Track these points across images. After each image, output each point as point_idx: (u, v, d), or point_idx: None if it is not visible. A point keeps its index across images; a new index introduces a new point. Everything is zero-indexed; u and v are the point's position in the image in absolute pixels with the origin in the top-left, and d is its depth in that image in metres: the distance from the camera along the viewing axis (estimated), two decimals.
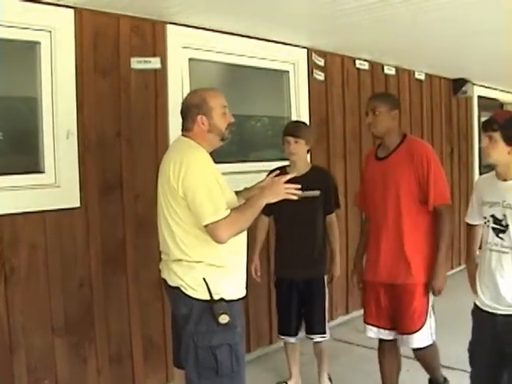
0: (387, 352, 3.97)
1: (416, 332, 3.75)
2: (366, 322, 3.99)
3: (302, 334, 4.46)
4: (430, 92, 7.89)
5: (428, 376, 4.08)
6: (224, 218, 2.85)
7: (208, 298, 2.94)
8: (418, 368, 4.03)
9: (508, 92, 10.07)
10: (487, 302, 3.15)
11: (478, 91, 8.95)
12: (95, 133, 4.03)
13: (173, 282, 3.05)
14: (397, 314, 3.81)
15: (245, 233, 3.14)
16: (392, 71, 6.98)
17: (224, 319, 2.92)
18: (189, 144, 3.05)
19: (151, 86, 4.38)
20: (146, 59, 4.31)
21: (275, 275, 4.52)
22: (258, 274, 4.48)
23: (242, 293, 3.15)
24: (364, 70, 6.52)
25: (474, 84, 8.64)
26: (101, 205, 4.08)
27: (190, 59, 4.68)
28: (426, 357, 3.92)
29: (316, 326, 4.35)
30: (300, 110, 5.73)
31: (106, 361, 4.14)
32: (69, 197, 3.90)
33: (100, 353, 4.10)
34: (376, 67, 6.75)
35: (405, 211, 3.73)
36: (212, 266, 2.98)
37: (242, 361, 3.09)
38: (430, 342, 3.82)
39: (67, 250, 3.91)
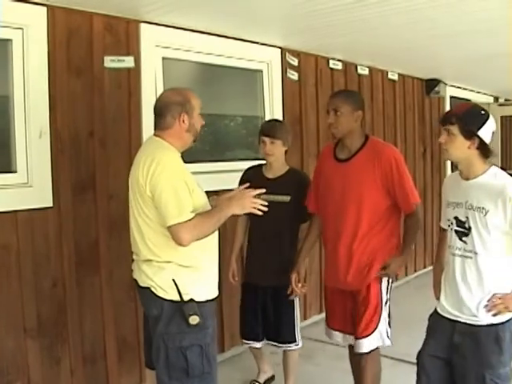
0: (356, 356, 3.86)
1: (368, 336, 3.63)
2: (331, 328, 3.90)
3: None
4: (403, 92, 7.95)
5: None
6: (188, 221, 2.85)
7: (178, 298, 2.94)
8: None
9: (478, 92, 10.18)
10: (449, 309, 3.01)
11: (450, 91, 9.03)
12: (68, 132, 3.99)
13: (143, 282, 3.05)
14: (355, 318, 3.70)
15: (216, 232, 3.13)
16: (365, 71, 7.02)
17: (194, 320, 2.92)
18: (160, 144, 3.04)
19: (125, 85, 4.35)
20: (120, 58, 4.27)
21: (244, 278, 4.40)
22: (236, 279, 4.39)
23: (213, 294, 3.15)
24: (337, 69, 6.55)
25: (446, 84, 8.72)
26: (74, 205, 4.04)
27: (163, 58, 4.66)
28: (368, 363, 3.71)
29: (286, 335, 4.20)
30: (274, 110, 5.73)
31: (79, 362, 4.10)
32: (41, 197, 3.86)
33: (73, 354, 4.06)
34: (349, 67, 6.78)
35: (366, 216, 3.59)
36: (182, 266, 2.98)
37: (214, 362, 3.09)
38: (381, 344, 3.70)
39: (40, 250, 3.87)
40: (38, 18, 3.79)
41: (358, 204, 3.59)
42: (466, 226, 2.93)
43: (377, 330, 3.64)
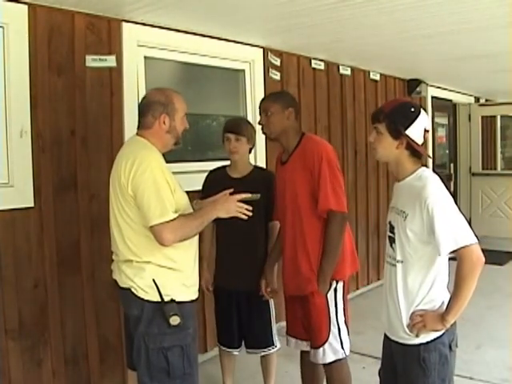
0: (306, 362, 3.78)
1: (321, 346, 3.52)
2: (287, 334, 3.82)
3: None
4: (385, 92, 7.97)
5: None
6: (170, 221, 2.83)
7: (158, 299, 2.92)
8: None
9: (458, 92, 10.25)
10: (385, 325, 2.83)
11: (432, 92, 9.10)
12: (50, 131, 3.97)
13: (123, 283, 3.03)
14: (307, 326, 3.63)
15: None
16: (347, 71, 7.05)
17: (175, 321, 2.90)
18: (143, 144, 3.02)
19: (107, 84, 4.33)
20: (102, 57, 4.26)
21: (214, 282, 4.21)
22: (210, 288, 4.20)
23: (194, 295, 3.13)
24: (320, 69, 6.57)
25: (427, 85, 8.76)
26: (55, 204, 4.01)
27: (145, 57, 4.65)
28: (333, 375, 3.62)
29: (264, 340, 4.12)
30: (256, 109, 5.69)
31: (61, 363, 4.08)
32: (22, 196, 3.83)
33: (55, 355, 4.04)
34: (332, 67, 6.81)
35: (303, 219, 3.49)
36: (161, 266, 2.96)
37: (195, 362, 3.08)
38: (336, 358, 3.55)
39: (21, 250, 3.84)
40: (18, 16, 3.76)
41: (295, 207, 3.53)
42: (395, 231, 2.73)
43: (328, 341, 3.51)
